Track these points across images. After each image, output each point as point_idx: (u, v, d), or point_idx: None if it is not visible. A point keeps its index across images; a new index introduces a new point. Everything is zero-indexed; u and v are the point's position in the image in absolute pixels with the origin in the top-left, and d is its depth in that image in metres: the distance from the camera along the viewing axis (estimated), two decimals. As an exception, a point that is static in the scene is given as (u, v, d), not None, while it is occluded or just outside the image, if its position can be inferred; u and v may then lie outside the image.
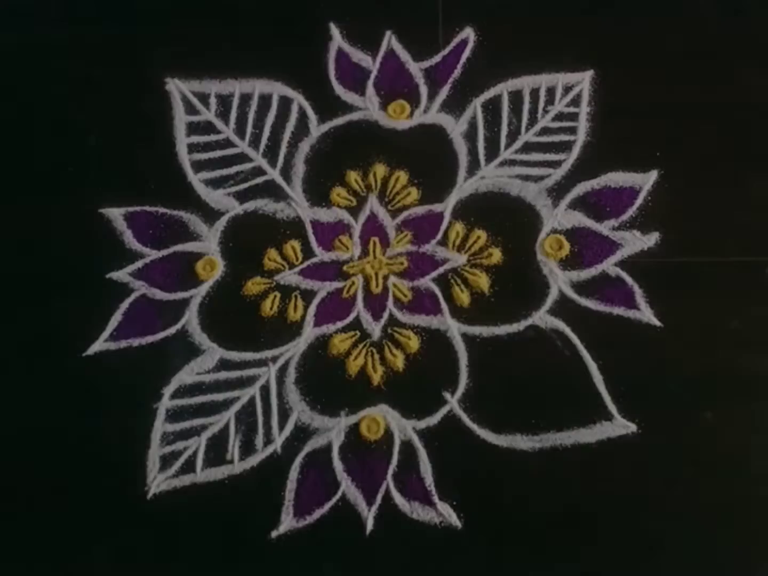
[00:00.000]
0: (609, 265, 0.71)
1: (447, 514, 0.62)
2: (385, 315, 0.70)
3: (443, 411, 0.66)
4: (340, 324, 0.70)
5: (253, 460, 0.65)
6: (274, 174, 0.78)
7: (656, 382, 0.66)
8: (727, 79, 0.79)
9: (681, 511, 0.61)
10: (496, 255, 0.72)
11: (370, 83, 0.81)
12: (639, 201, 0.73)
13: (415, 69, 0.81)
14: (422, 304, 0.71)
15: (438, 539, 0.61)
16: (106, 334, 0.71)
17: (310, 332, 0.70)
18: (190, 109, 0.81)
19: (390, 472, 0.64)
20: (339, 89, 0.81)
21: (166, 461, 0.65)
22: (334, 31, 0.84)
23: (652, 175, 0.74)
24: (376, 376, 0.67)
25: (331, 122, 0.79)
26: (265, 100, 0.81)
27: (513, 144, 0.77)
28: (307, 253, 0.74)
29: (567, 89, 0.79)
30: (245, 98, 0.81)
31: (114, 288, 0.73)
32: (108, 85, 0.83)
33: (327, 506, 0.63)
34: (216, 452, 0.65)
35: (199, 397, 0.68)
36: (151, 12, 0.87)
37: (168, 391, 0.68)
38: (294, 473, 0.64)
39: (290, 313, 0.71)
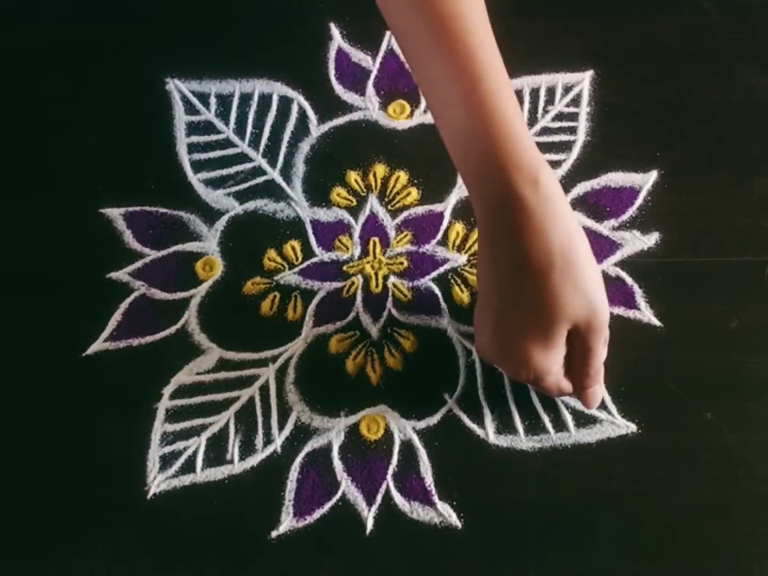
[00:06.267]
0: (609, 265, 0.71)
1: (447, 514, 0.62)
2: (385, 315, 0.70)
3: (443, 411, 0.66)
4: (339, 324, 0.70)
5: (253, 460, 0.65)
6: (274, 174, 0.78)
7: (656, 382, 0.66)
8: (727, 79, 0.79)
9: (681, 511, 0.61)
10: (496, 255, 0.72)
11: (370, 83, 0.81)
12: (639, 201, 0.73)
13: (415, 69, 0.81)
14: (422, 304, 0.71)
15: (438, 539, 0.61)
16: (105, 334, 0.70)
17: (309, 332, 0.70)
18: (190, 109, 0.81)
19: (390, 472, 0.63)
20: (339, 89, 0.81)
21: (166, 461, 0.65)
22: (334, 31, 0.84)
23: (652, 175, 0.74)
24: (376, 376, 0.67)
25: (331, 122, 0.79)
26: (265, 100, 0.81)
27: (513, 144, 0.77)
28: (307, 253, 0.74)
29: (567, 89, 0.79)
30: (245, 98, 0.81)
31: (114, 288, 0.73)
32: (108, 85, 0.83)
33: (327, 506, 0.63)
34: (216, 452, 0.65)
35: (198, 397, 0.68)
36: (151, 12, 0.87)
37: (167, 391, 0.68)
38: (294, 473, 0.64)
39: (290, 313, 0.71)
